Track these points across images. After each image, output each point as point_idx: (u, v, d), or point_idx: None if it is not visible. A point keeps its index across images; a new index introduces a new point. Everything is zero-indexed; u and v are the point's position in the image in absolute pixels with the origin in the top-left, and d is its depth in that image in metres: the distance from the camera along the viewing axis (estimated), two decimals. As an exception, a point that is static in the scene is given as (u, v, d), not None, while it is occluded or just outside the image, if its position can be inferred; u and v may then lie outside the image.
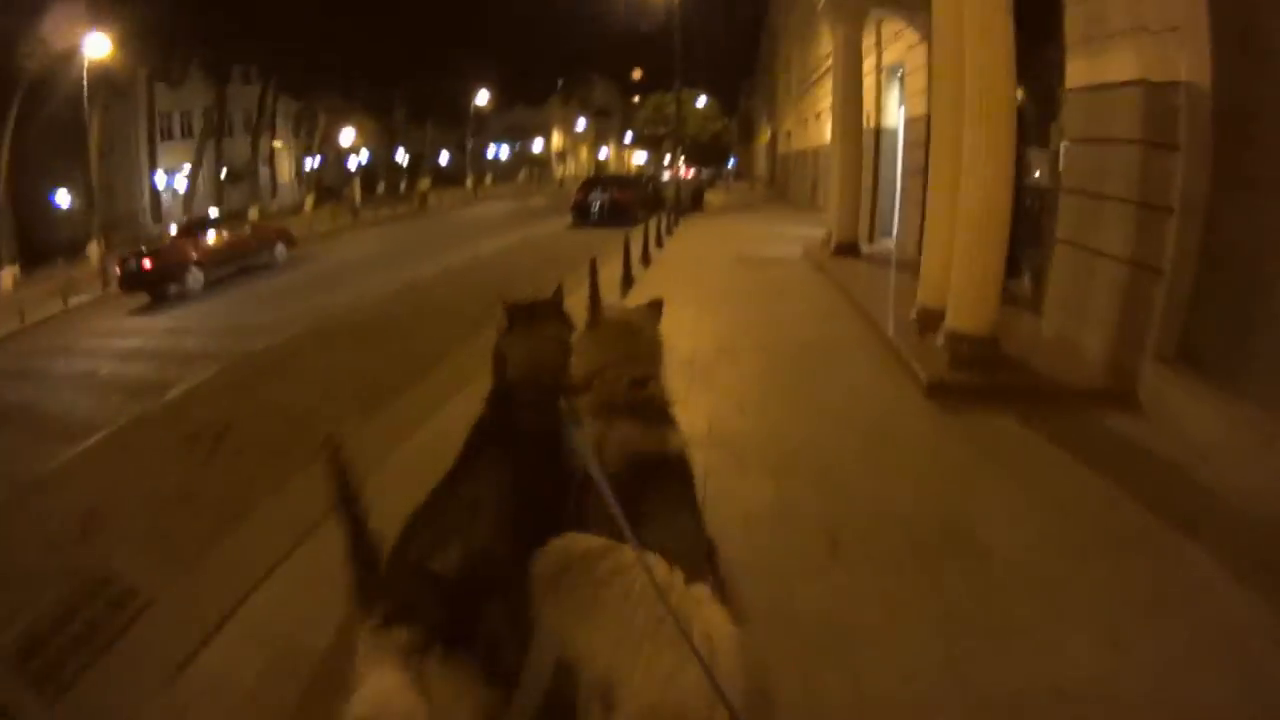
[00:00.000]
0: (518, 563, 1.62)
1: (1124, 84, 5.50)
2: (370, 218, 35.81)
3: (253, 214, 35.02)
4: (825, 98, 22.27)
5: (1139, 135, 5.37)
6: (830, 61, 19.65)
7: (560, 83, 77.92)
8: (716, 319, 8.28)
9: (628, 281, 10.27)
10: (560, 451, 1.91)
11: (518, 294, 2.20)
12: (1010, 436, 4.75)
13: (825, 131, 22.92)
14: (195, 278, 17.81)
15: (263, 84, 42.15)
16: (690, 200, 28.24)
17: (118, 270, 18.04)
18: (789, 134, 34.35)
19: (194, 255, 18.08)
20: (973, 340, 5.68)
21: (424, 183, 50.01)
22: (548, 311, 2.20)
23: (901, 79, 13.17)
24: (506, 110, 70.21)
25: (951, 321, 5.84)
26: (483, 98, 58.60)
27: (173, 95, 38.96)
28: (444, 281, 14.88)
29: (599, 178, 29.70)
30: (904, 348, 6.17)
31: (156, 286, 17.20)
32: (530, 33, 75.55)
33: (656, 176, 36.82)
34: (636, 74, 37.42)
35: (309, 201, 42.88)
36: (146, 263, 17.19)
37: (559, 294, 2.27)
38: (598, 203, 24.37)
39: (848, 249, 11.67)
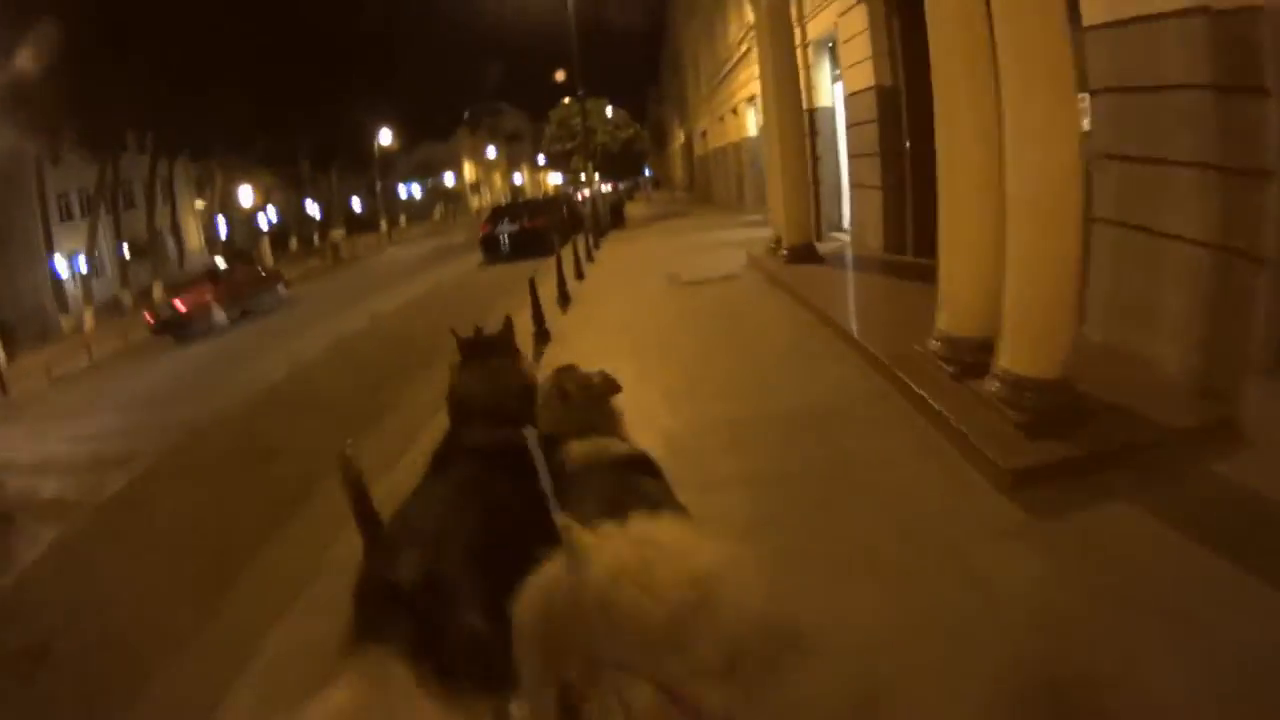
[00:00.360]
0: (488, 565, 1.62)
1: (1174, 14, 3.91)
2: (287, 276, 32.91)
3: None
4: (741, 89, 20.76)
5: (1206, 78, 3.80)
6: (745, 47, 18.10)
7: (466, 114, 76.01)
8: (660, 383, 6.09)
9: (542, 337, 8.15)
10: (521, 464, 2.01)
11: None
12: (1149, 550, 2.97)
13: (745, 124, 21.42)
14: (219, 316, 19.50)
15: (152, 149, 38.77)
16: (610, 216, 26.14)
17: (149, 320, 19.62)
18: (705, 134, 32.90)
19: (215, 296, 19.73)
20: (1043, 387, 3.87)
21: (336, 233, 47.81)
22: (499, 346, 2.47)
23: (833, 50, 11.50)
24: (414, 148, 68.05)
25: (1010, 362, 4.01)
26: (386, 137, 56.26)
27: (73, 173, 35.56)
28: (331, 360, 12.30)
29: (507, 205, 26.91)
30: (947, 409, 4.26)
31: (186, 328, 18.68)
32: (429, 68, 73.32)
33: (571, 195, 34.19)
34: (559, 75, 33.20)
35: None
36: (179, 305, 18.91)
37: (509, 327, 2.57)
38: (506, 234, 21.63)
39: (803, 253, 9.88)
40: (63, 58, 27.21)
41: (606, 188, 39.72)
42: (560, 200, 28.92)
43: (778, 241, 10.40)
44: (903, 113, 8.97)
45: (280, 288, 23.08)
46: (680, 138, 48.59)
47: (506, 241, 21.41)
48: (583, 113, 24.37)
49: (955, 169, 4.67)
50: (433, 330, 12.15)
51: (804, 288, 8.44)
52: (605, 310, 10.08)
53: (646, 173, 66.97)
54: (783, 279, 9.28)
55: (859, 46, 9.51)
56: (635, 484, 1.87)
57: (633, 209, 32.57)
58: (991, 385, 4.11)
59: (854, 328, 6.45)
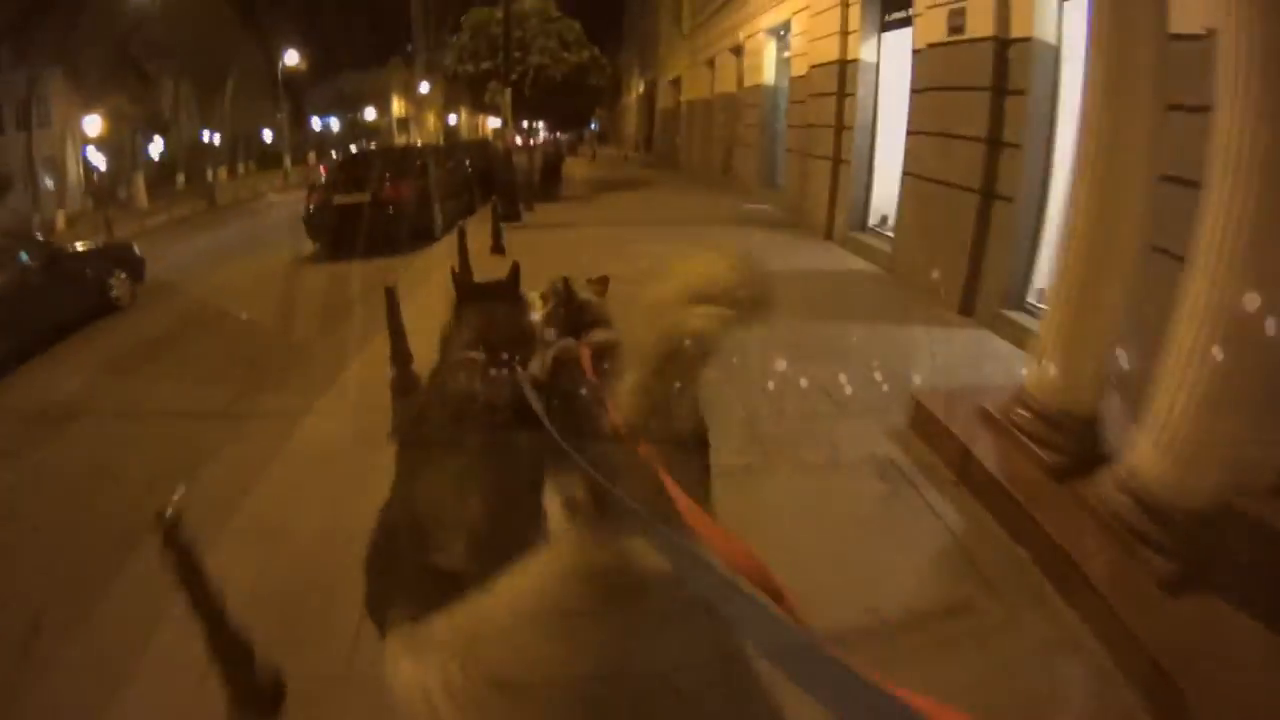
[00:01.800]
0: (513, 527, 1.61)
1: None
2: (135, 228, 24.36)
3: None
4: (755, 16, 13.66)
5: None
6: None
7: (409, 47, 67.55)
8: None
9: None
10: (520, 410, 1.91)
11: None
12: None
13: (759, 66, 14.36)
14: None
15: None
16: (541, 179, 17.00)
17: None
18: (677, 82, 25.73)
19: None
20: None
21: (223, 171, 42.68)
22: (500, 293, 2.33)
23: None
24: (334, 76, 61.04)
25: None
26: (291, 59, 47.32)
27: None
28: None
29: (362, 154, 17.50)
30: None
31: None
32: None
33: (488, 142, 23.83)
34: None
35: (61, 217, 30.20)
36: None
37: (515, 274, 2.36)
38: (347, 210, 12.06)
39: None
40: None
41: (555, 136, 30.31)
42: (464, 149, 19.10)
43: (1053, 383, 3.27)
44: None
45: None
46: (638, 89, 40.96)
47: (346, 223, 11.88)
48: (506, 15, 13.34)
49: None
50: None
51: None
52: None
53: (591, 126, 58.63)
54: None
55: None
56: None
57: (572, 167, 24.38)
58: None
59: None
